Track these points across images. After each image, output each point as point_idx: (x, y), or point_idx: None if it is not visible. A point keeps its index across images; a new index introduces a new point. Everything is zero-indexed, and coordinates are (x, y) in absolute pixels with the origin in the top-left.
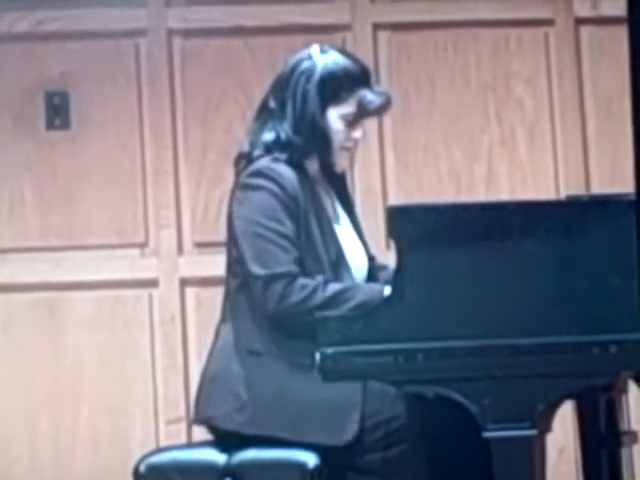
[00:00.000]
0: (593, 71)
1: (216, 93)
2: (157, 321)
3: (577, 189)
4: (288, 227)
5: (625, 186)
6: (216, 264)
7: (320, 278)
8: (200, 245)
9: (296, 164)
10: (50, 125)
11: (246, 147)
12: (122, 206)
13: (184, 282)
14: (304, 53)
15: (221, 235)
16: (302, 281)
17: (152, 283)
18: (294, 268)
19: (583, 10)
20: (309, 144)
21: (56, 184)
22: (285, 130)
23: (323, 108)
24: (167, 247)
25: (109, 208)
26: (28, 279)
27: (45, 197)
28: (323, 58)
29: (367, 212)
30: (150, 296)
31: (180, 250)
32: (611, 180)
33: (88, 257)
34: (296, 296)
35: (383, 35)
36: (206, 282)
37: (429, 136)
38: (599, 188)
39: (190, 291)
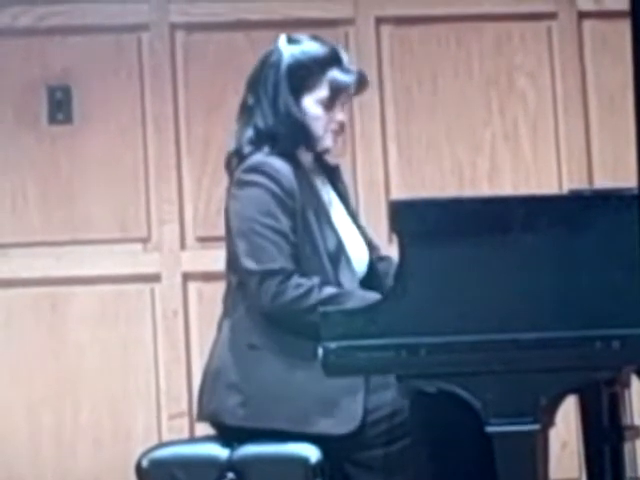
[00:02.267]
0: (596, 65)
1: (219, 88)
2: (159, 316)
3: (580, 183)
4: (283, 223)
5: (628, 180)
6: (218, 259)
7: (316, 280)
8: (202, 240)
9: (289, 156)
10: (52, 120)
11: (233, 147)
12: (124, 201)
13: (186, 277)
14: (272, 46)
15: (223, 230)
16: (298, 280)
17: (154, 278)
18: (289, 265)
19: (586, 4)
20: (291, 135)
21: (58, 178)
22: (265, 124)
23: (297, 98)
24: (169, 242)
25: (111, 203)
26: (30, 274)
27: (47, 192)
28: (289, 48)
29: (370, 206)
30: (152, 291)
31: (182, 245)
32: (614, 174)
33: (90, 252)
34: (291, 294)
35: (386, 29)
36: (208, 277)
37: (432, 130)
38: (602, 182)
39: (192, 286)
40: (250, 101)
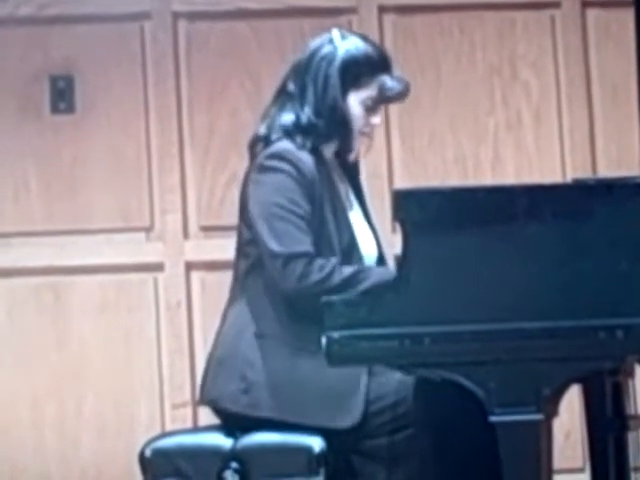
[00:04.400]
0: (599, 54)
1: (221, 76)
2: (162, 305)
3: (583, 172)
4: (305, 209)
5: (631, 169)
6: (222, 248)
7: (334, 260)
8: (206, 229)
9: (314, 149)
10: (55, 109)
11: (263, 130)
12: (127, 190)
13: (190, 266)
14: (325, 38)
15: (226, 219)
16: (320, 262)
17: (158, 267)
18: (312, 249)
19: None
20: (330, 128)
21: (61, 168)
22: (306, 113)
23: (344, 93)
24: (172, 231)
25: (114, 192)
26: (32, 263)
27: (50, 181)
28: (344, 43)
29: (373, 196)
30: (155, 280)
31: (185, 234)
32: (617, 163)
33: (93, 241)
34: (315, 276)
35: (388, 18)
36: (212, 266)
37: (435, 120)
38: (605, 171)
39: (196, 275)
40: (291, 87)
